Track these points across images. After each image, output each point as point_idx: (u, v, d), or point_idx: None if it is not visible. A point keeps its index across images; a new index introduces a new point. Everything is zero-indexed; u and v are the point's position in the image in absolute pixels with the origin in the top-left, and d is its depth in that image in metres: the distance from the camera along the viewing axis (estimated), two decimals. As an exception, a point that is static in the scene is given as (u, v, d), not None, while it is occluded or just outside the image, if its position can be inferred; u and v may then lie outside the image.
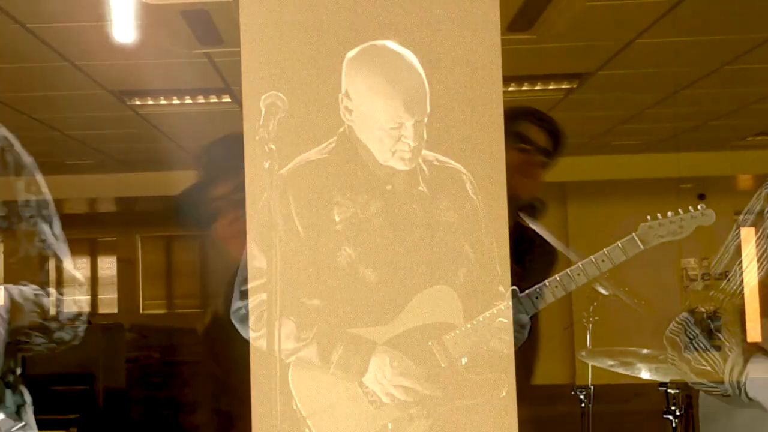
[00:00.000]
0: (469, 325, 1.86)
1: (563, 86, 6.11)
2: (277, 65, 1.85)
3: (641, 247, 2.14)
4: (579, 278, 2.11)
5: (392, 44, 1.86)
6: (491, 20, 1.88)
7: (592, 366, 4.42)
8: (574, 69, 5.75)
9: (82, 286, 2.30)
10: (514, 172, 2.58)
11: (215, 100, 6.31)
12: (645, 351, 3.73)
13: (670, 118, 7.31)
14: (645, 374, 3.66)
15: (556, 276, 2.11)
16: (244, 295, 1.94)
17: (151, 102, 6.36)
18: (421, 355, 1.85)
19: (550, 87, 6.11)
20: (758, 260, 2.53)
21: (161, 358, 8.33)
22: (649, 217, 2.17)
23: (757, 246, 2.53)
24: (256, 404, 1.81)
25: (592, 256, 2.11)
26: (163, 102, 6.39)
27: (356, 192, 1.84)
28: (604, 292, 4.06)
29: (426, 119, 1.85)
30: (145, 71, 5.44)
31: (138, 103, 6.34)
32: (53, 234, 2.22)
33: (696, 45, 5.12)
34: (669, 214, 2.16)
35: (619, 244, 2.13)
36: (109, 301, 14.06)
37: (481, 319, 1.87)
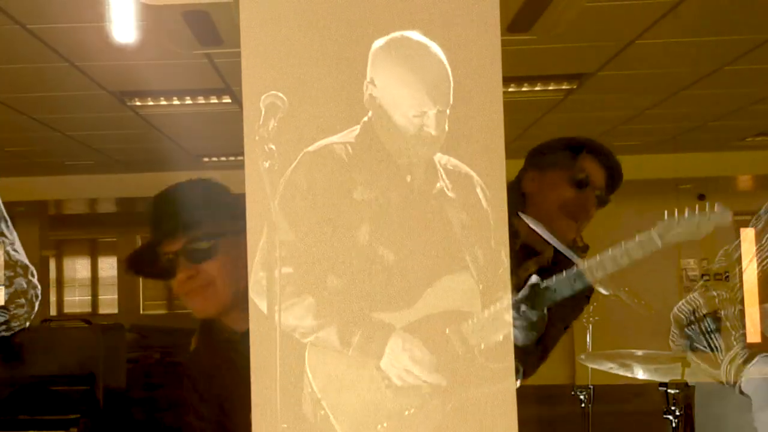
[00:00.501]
0: (486, 314, 1.87)
1: (563, 87, 6.12)
2: (277, 65, 1.85)
3: (659, 244, 2.13)
4: (598, 273, 2.12)
5: (418, 35, 1.88)
6: (491, 21, 1.89)
7: (592, 368, 4.43)
8: (574, 70, 5.76)
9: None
10: (568, 208, 2.57)
11: (215, 101, 6.32)
12: (645, 352, 3.73)
13: (670, 119, 7.32)
14: (644, 376, 3.66)
15: (574, 271, 2.12)
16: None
17: (151, 102, 6.37)
18: (438, 341, 1.86)
19: (550, 88, 6.13)
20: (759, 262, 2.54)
21: (162, 359, 8.34)
22: (666, 213, 2.17)
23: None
24: (259, 381, 1.81)
25: (611, 252, 2.12)
26: (163, 102, 6.40)
27: (378, 178, 1.86)
28: (604, 292, 4.06)
29: (448, 111, 1.87)
30: (145, 72, 5.44)
31: (138, 103, 6.35)
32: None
33: (695, 46, 5.13)
34: (686, 210, 2.16)
35: (639, 242, 2.13)
36: (109, 302, 14.08)
37: (500, 308, 1.88)
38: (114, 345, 7.68)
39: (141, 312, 13.59)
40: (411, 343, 1.85)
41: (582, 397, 4.46)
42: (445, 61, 1.87)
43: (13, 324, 2.40)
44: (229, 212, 2.30)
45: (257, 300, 1.85)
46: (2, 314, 2.37)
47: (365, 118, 1.86)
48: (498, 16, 1.88)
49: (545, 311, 2.14)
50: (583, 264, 2.13)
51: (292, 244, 1.83)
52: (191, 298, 2.37)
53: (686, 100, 6.54)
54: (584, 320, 4.67)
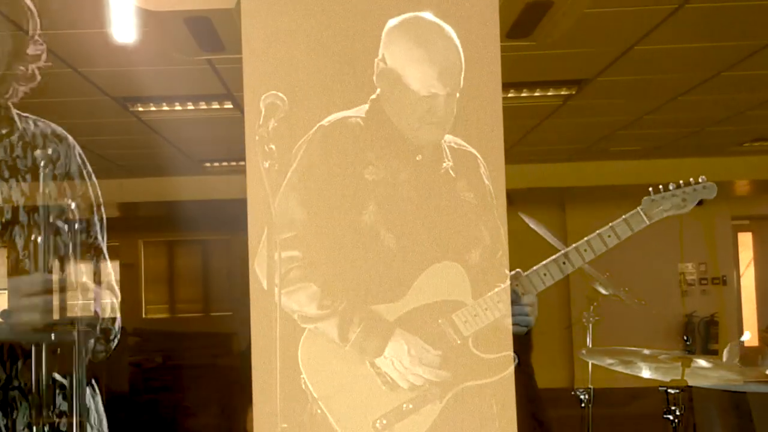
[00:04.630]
0: (477, 304, 1.88)
1: (562, 92, 6.13)
2: (278, 71, 1.88)
3: (646, 221, 2.14)
4: (586, 254, 2.11)
5: (432, 16, 1.89)
6: (491, 28, 1.91)
7: (592, 370, 4.43)
8: (573, 75, 5.77)
9: (117, 297, 2.31)
10: None
11: (217, 107, 6.32)
12: (646, 351, 3.74)
13: (669, 124, 7.32)
14: (645, 374, 3.66)
15: (563, 252, 2.11)
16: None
17: (153, 108, 6.38)
18: (432, 334, 1.87)
19: (549, 93, 6.14)
20: None
21: (163, 362, 8.35)
22: (651, 189, 2.18)
23: None
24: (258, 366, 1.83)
25: (598, 231, 2.12)
26: (165, 108, 6.41)
27: (388, 157, 1.87)
28: (604, 292, 4.09)
29: (458, 94, 1.88)
30: (147, 77, 5.45)
31: (140, 109, 6.35)
32: (103, 242, 2.25)
33: (694, 52, 5.14)
34: (671, 185, 2.17)
35: (625, 219, 2.13)
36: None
37: (487, 297, 1.88)
38: (116, 348, 7.68)
39: (143, 316, 13.57)
40: (416, 346, 1.85)
41: (582, 397, 4.46)
42: (458, 45, 1.88)
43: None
44: None
45: (260, 274, 1.85)
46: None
47: (373, 96, 1.87)
48: (497, 23, 1.91)
49: (536, 298, 2.11)
50: (570, 247, 2.13)
51: (301, 222, 1.84)
52: None
53: (684, 106, 6.54)
54: (584, 320, 4.67)
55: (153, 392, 7.85)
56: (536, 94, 6.11)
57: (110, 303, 2.27)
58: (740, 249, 11.43)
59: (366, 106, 1.87)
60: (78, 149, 2.21)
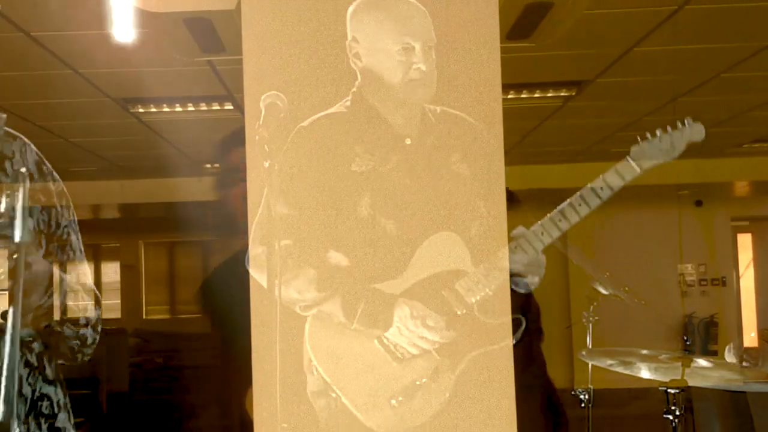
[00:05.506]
0: (479, 271, 1.87)
1: (562, 94, 6.14)
2: (279, 72, 1.88)
3: (636, 169, 2.12)
4: (581, 208, 2.08)
5: None
6: (491, 29, 1.92)
7: (592, 371, 4.43)
8: (573, 77, 5.78)
9: (98, 302, 2.32)
10: None
11: (217, 108, 6.33)
12: (646, 351, 3.74)
13: (668, 126, 7.32)
14: (645, 374, 3.65)
15: (558, 208, 2.09)
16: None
17: (153, 109, 6.39)
18: (437, 304, 1.87)
19: (549, 94, 6.14)
20: None
21: (164, 363, 8.36)
22: (639, 137, 2.16)
23: None
24: (259, 358, 1.83)
25: (589, 184, 2.09)
26: (165, 109, 6.42)
27: (375, 146, 1.87)
28: (604, 291, 4.09)
29: (433, 46, 1.88)
30: (147, 79, 5.46)
31: (141, 110, 6.36)
32: (79, 247, 2.25)
33: (693, 53, 5.14)
34: (657, 131, 2.16)
35: (616, 169, 2.11)
36: (112, 306, 14.08)
37: (489, 263, 1.88)
38: (117, 349, 7.70)
39: (144, 317, 13.58)
40: (419, 309, 1.85)
41: (582, 397, 4.45)
42: (421, 6, 1.89)
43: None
44: None
45: (257, 275, 1.85)
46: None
47: (353, 88, 1.87)
48: (497, 24, 1.92)
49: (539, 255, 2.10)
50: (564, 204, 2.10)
51: (290, 218, 1.85)
52: (241, 218, 2.46)
53: (684, 107, 6.54)
54: (584, 320, 4.67)
55: (154, 393, 7.86)
56: (536, 95, 6.12)
57: (88, 306, 2.28)
58: (740, 250, 11.44)
59: (348, 100, 1.88)
60: (33, 147, 2.22)
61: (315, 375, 1.83)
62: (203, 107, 6.32)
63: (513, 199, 2.93)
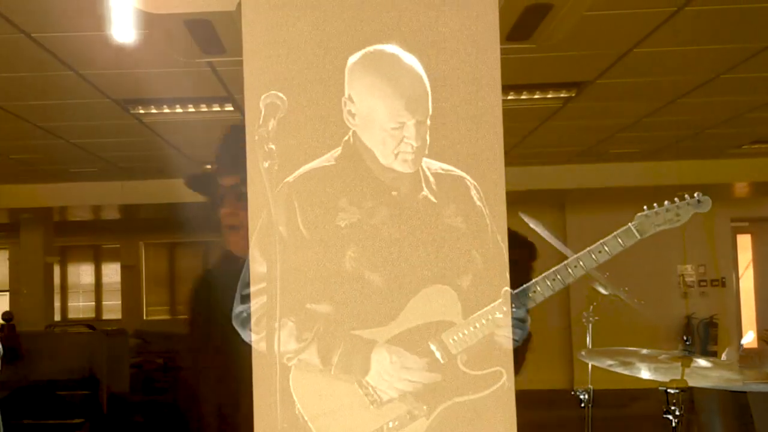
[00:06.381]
0: (467, 322, 1.88)
1: (562, 95, 6.14)
2: (279, 73, 1.89)
3: (638, 237, 2.13)
4: (576, 270, 2.09)
5: (393, 48, 1.89)
6: (491, 30, 1.92)
7: (591, 371, 4.43)
8: (573, 78, 5.78)
9: None
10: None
11: (218, 109, 6.33)
12: (646, 351, 3.74)
13: (668, 127, 7.33)
14: (645, 374, 3.65)
15: (554, 269, 2.10)
16: (245, 299, 1.96)
17: (154, 110, 6.39)
18: (419, 352, 1.87)
19: (549, 96, 6.15)
20: None
21: (164, 364, 8.36)
22: (645, 207, 2.17)
23: None
24: (258, 409, 1.85)
25: (588, 248, 2.10)
26: (166, 110, 6.42)
27: (362, 198, 1.86)
28: (604, 292, 4.09)
29: (428, 121, 1.88)
30: (148, 80, 5.46)
31: (141, 111, 6.37)
32: None
33: (693, 54, 5.15)
34: (666, 203, 2.16)
35: (616, 236, 2.12)
36: (113, 307, 14.11)
37: (478, 315, 1.88)
38: (117, 350, 7.71)
39: (144, 317, 13.61)
40: (398, 353, 1.86)
41: (582, 397, 4.45)
42: (422, 72, 1.88)
43: None
44: None
45: (240, 330, 1.88)
46: None
47: (346, 138, 1.88)
48: (498, 26, 1.92)
49: (526, 314, 2.12)
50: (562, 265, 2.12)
51: (268, 274, 1.85)
52: (229, 231, 2.50)
53: (683, 108, 6.55)
54: (584, 320, 4.67)
55: (154, 393, 7.87)
56: (536, 96, 6.12)
57: None
58: (739, 251, 11.46)
59: (338, 150, 1.87)
60: None
61: (297, 414, 1.85)
62: (203, 108, 6.32)
63: (533, 255, 2.93)
